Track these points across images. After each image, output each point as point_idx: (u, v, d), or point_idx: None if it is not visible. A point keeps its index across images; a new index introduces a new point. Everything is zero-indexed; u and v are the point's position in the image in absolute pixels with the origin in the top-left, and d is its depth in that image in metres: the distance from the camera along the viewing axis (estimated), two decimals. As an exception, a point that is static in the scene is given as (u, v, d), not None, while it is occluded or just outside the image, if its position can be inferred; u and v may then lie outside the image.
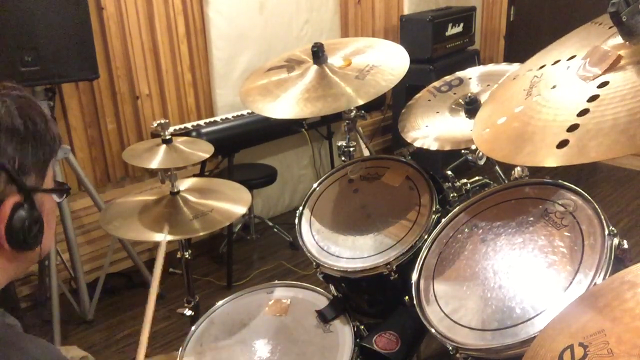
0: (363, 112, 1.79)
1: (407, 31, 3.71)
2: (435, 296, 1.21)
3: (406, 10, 4.06)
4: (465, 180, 1.58)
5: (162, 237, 1.41)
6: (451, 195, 1.55)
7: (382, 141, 4.26)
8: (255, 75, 1.80)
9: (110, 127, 2.79)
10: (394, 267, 1.37)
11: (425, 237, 1.38)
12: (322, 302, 1.49)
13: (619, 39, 0.95)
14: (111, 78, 2.73)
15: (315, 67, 1.68)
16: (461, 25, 3.86)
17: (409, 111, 1.78)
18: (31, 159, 0.78)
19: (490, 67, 1.84)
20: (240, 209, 1.57)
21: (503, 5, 4.50)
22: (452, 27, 3.78)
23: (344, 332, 1.39)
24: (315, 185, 1.69)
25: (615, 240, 1.05)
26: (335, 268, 1.44)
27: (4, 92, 0.77)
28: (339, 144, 1.81)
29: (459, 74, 1.84)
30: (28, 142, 0.77)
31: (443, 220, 1.37)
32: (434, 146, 1.59)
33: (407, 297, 1.37)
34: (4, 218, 0.75)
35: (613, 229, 1.07)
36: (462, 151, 1.55)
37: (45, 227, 0.82)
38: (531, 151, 0.92)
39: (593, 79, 0.92)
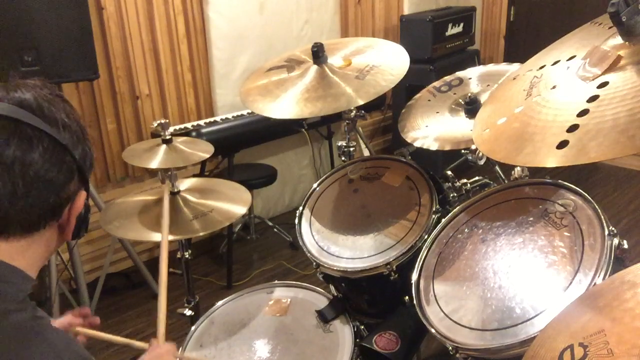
0: (363, 112, 1.78)
1: (407, 31, 3.71)
2: (435, 296, 1.21)
3: (406, 10, 4.06)
4: (465, 180, 1.58)
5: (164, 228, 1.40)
6: (451, 195, 1.55)
7: (382, 141, 4.26)
8: (255, 75, 1.80)
9: (110, 127, 2.79)
10: (394, 267, 1.38)
11: (425, 237, 1.38)
12: (322, 302, 1.49)
13: (618, 39, 0.95)
14: (111, 78, 2.73)
15: (315, 67, 1.68)
16: (461, 25, 3.86)
17: (409, 111, 1.78)
18: (90, 158, 0.84)
19: (490, 67, 1.84)
20: (240, 209, 1.57)
21: (503, 5, 4.50)
22: (452, 27, 3.78)
23: (344, 332, 1.39)
24: (315, 185, 1.69)
25: (615, 240, 1.05)
26: (335, 268, 1.44)
27: (50, 93, 0.81)
28: (339, 144, 1.81)
29: (459, 74, 1.84)
30: (85, 143, 0.83)
31: (443, 220, 1.37)
32: (434, 146, 1.59)
33: (407, 297, 1.37)
34: (77, 211, 0.82)
35: (613, 229, 1.07)
36: (462, 151, 1.55)
37: None
38: (531, 151, 0.92)
39: (593, 79, 0.92)
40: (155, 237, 1.49)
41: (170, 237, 1.47)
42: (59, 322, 1.07)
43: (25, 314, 0.74)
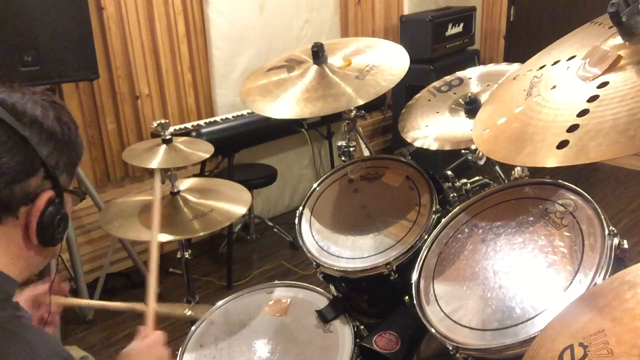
0: (363, 112, 1.79)
1: (407, 31, 3.71)
2: (435, 296, 1.21)
3: (406, 10, 4.06)
4: (465, 180, 1.58)
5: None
6: (451, 195, 1.55)
7: (382, 141, 4.26)
8: (255, 75, 1.80)
9: (110, 127, 2.79)
10: (394, 267, 1.38)
11: (425, 237, 1.38)
12: (322, 302, 1.49)
13: (618, 39, 0.95)
14: (111, 78, 2.73)
15: (315, 67, 1.68)
16: (461, 25, 3.86)
17: (409, 111, 1.78)
18: (65, 160, 0.83)
19: (490, 67, 1.84)
20: (240, 209, 1.57)
21: (503, 5, 4.50)
22: (452, 27, 3.78)
23: (344, 332, 1.39)
24: (315, 185, 1.69)
25: (615, 240, 1.05)
26: (335, 268, 1.44)
27: (43, 98, 0.82)
28: (339, 144, 1.81)
29: (459, 74, 1.84)
30: (64, 145, 0.82)
31: (443, 220, 1.37)
32: (434, 146, 1.59)
33: (407, 297, 1.37)
34: (37, 211, 0.79)
35: (613, 228, 1.07)
36: (462, 151, 1.55)
37: None
38: (531, 151, 0.92)
39: (593, 79, 0.92)
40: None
41: (170, 237, 1.47)
42: (25, 294, 1.04)
43: (4, 313, 0.74)
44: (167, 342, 1.07)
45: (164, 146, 1.61)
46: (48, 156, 0.79)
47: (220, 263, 3.07)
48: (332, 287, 1.60)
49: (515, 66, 1.61)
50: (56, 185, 0.81)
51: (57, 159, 0.81)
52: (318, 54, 1.67)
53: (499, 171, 1.61)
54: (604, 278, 1.00)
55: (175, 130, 2.72)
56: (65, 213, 0.84)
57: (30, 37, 2.03)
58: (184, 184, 1.66)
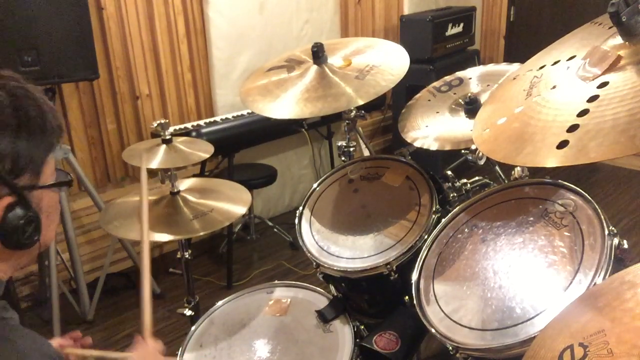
0: (363, 112, 1.79)
1: (407, 31, 3.71)
2: (435, 296, 1.21)
3: (406, 10, 4.06)
4: (465, 180, 1.58)
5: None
6: (451, 195, 1.55)
7: (382, 141, 4.26)
8: (255, 75, 1.80)
9: (110, 127, 2.79)
10: (394, 267, 1.38)
11: (425, 237, 1.38)
12: (322, 302, 1.49)
13: (618, 39, 0.95)
14: (111, 78, 2.73)
15: (315, 67, 1.68)
16: (461, 25, 3.86)
17: (409, 111, 1.78)
18: (25, 155, 0.75)
19: (490, 67, 1.84)
20: (240, 209, 1.57)
21: (503, 5, 4.50)
22: (452, 27, 3.78)
23: (344, 332, 1.39)
24: (315, 185, 1.69)
25: (615, 240, 1.05)
26: (335, 268, 1.44)
27: (0, 82, 0.75)
28: (339, 144, 1.81)
29: (459, 74, 1.84)
30: (22, 138, 0.74)
31: (443, 220, 1.37)
32: (434, 146, 1.59)
33: (407, 297, 1.37)
34: None
35: (613, 228, 1.07)
36: (462, 151, 1.55)
37: (44, 222, 0.80)
38: (531, 151, 0.92)
39: (593, 79, 0.92)
40: (156, 237, 1.49)
41: (170, 237, 1.47)
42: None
43: None
44: (164, 347, 1.07)
45: (164, 146, 1.61)
46: (2, 158, 0.72)
47: (220, 263, 3.07)
48: (332, 287, 1.60)
49: (515, 66, 1.61)
50: (14, 190, 0.75)
51: (14, 158, 0.73)
52: (318, 54, 1.67)
53: (499, 171, 1.61)
54: (604, 278, 1.00)
55: (175, 130, 2.72)
56: (33, 215, 0.77)
57: (30, 37, 2.03)
58: (184, 184, 1.66)
